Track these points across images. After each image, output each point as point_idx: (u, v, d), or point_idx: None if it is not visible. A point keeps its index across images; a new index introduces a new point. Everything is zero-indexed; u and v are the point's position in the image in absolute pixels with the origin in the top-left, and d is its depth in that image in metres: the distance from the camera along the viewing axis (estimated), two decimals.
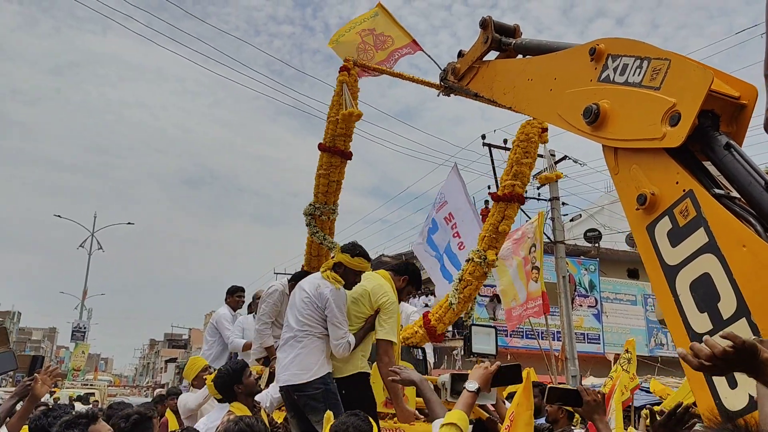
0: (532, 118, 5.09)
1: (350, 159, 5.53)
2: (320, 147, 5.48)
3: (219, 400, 4.37)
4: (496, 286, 20.27)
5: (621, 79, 2.85)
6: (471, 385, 2.74)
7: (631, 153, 2.76)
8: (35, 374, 3.60)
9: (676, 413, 2.64)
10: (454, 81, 4.41)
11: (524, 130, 5.25)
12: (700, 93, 2.43)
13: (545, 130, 5.28)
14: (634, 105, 2.73)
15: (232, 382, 4.21)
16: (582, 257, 22.80)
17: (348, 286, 4.25)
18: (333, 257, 4.48)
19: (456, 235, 7.76)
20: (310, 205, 5.56)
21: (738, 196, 2.38)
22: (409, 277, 4.68)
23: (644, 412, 5.22)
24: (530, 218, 18.35)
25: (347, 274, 4.24)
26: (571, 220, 23.30)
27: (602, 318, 22.19)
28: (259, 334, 5.55)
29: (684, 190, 2.47)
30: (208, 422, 4.31)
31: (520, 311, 11.38)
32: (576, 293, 21.18)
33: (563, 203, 17.37)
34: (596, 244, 22.72)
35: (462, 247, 7.61)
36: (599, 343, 21.87)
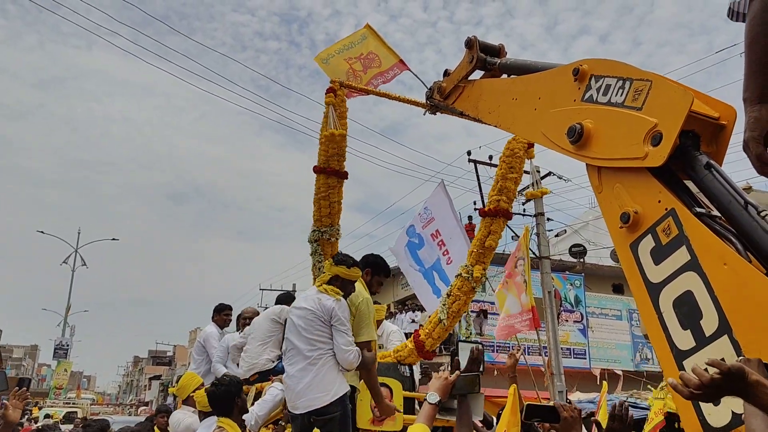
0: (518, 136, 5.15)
1: (346, 178, 5.54)
2: (315, 170, 5.46)
3: (206, 414, 4.33)
4: (482, 301, 20.33)
5: (604, 99, 2.90)
6: (431, 397, 2.74)
7: (614, 172, 2.81)
8: (4, 401, 3.59)
9: (614, 414, 2.69)
10: (440, 100, 4.46)
11: (510, 146, 5.31)
12: (681, 114, 2.48)
13: (531, 145, 5.35)
14: (617, 125, 2.77)
15: (234, 394, 4.17)
16: (567, 272, 22.90)
17: (346, 296, 4.29)
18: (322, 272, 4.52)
19: (445, 252, 7.81)
20: (314, 231, 5.53)
21: (719, 214, 2.43)
22: (371, 269, 4.75)
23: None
24: (516, 234, 18.45)
25: (345, 285, 4.29)
26: (556, 236, 23.42)
27: (588, 333, 22.27)
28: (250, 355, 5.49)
29: (666, 209, 2.52)
30: None
31: (512, 322, 11.36)
32: (562, 308, 21.26)
33: (548, 219, 17.48)
34: (581, 260, 22.84)
35: (450, 262, 7.65)
36: (585, 358, 21.92)
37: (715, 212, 2.44)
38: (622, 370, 21.34)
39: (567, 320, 21.82)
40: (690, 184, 2.61)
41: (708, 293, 2.29)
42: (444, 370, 3.06)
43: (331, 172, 5.37)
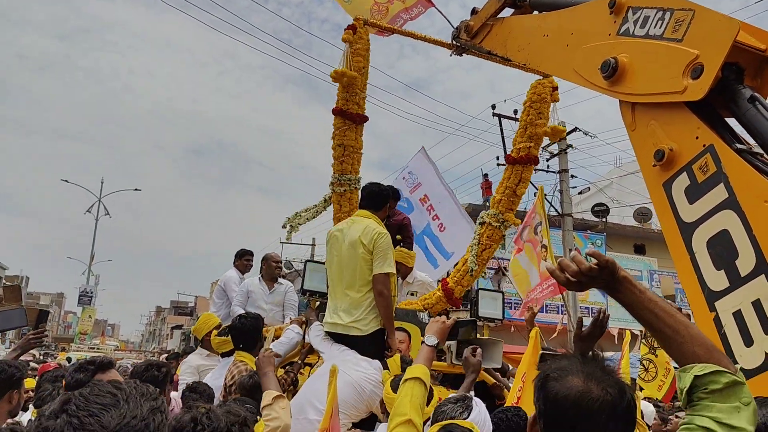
0: (542, 78, 4.98)
1: (365, 121, 5.31)
2: (334, 111, 5.28)
3: (225, 354, 4.32)
4: (500, 258, 20.30)
5: (641, 31, 2.76)
6: (429, 339, 2.70)
7: (649, 108, 2.68)
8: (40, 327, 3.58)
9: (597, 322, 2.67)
10: (467, 39, 4.31)
11: (536, 90, 5.14)
12: (725, 44, 2.34)
13: (556, 88, 5.17)
14: (655, 58, 2.63)
15: (259, 330, 4.15)
16: (589, 231, 22.69)
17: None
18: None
19: (435, 217, 7.69)
20: (332, 182, 5.34)
21: (761, 151, 2.31)
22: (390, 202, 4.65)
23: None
24: (537, 189, 18.27)
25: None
26: (580, 193, 23.13)
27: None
28: None
29: (704, 146, 2.40)
30: (213, 378, 4.29)
31: (535, 295, 11.30)
32: None
33: (572, 176, 17.24)
34: (604, 219, 22.57)
35: (443, 229, 7.53)
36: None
37: (757, 149, 2.33)
38: (640, 330, 21.27)
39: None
40: (731, 121, 2.50)
41: (746, 232, 2.19)
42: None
43: (348, 114, 5.19)
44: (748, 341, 2.12)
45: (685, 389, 1.40)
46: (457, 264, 5.64)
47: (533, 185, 17.52)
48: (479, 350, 3.42)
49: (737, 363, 2.18)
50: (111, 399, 1.14)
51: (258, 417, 2.64)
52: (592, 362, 1.43)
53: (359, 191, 5.24)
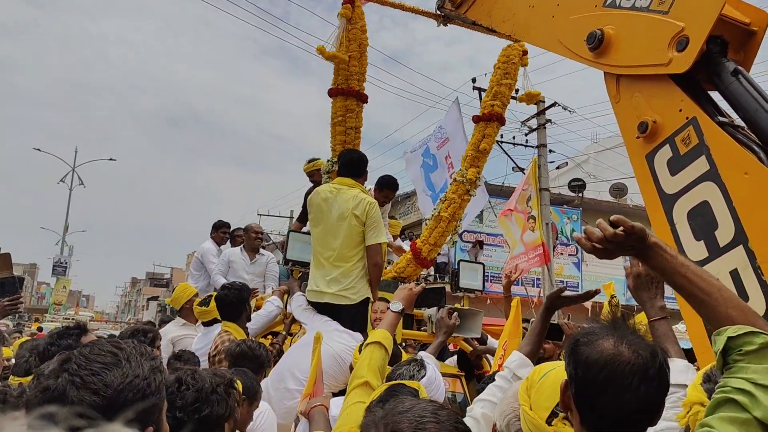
0: (513, 42, 4.97)
1: (366, 102, 5.19)
2: (331, 92, 5.11)
3: (208, 323, 4.31)
4: (478, 232, 20.44)
5: (628, 3, 2.76)
6: (395, 305, 2.71)
7: (633, 80, 2.70)
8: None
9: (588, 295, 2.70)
10: (452, 9, 4.28)
11: (505, 52, 5.15)
12: (711, 17, 2.36)
13: (525, 52, 5.17)
14: (641, 30, 2.65)
15: (244, 300, 4.12)
16: (565, 206, 22.91)
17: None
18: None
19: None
20: (328, 161, 5.23)
21: (742, 124, 2.34)
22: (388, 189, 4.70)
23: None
24: (517, 165, 18.36)
25: None
26: (557, 168, 23.28)
27: (582, 267, 22.49)
28: None
29: (687, 118, 2.43)
30: (198, 345, 4.29)
31: (521, 264, 11.33)
32: (558, 242, 21.39)
33: (550, 150, 17.35)
34: (580, 194, 22.80)
35: None
36: (578, 291, 22.23)
37: (740, 122, 2.36)
38: (617, 304, 21.60)
39: (562, 253, 22.00)
40: (714, 94, 2.52)
41: (726, 203, 2.24)
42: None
43: (351, 93, 5.02)
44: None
45: (719, 351, 1.37)
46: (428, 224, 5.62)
47: (512, 159, 17.62)
48: (456, 314, 3.46)
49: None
50: (112, 358, 1.14)
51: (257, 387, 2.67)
52: (622, 326, 1.42)
53: None
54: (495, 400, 2.28)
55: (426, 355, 2.92)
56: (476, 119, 5.33)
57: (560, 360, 1.90)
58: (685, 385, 1.83)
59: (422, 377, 2.42)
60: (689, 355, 2.14)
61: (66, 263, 35.63)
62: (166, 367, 3.47)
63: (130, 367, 1.14)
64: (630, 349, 1.35)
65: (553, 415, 1.66)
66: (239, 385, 1.83)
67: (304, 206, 5.93)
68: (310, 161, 6.42)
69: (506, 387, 2.45)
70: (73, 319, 30.88)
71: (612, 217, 1.55)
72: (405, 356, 2.98)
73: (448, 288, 4.94)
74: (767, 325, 1.38)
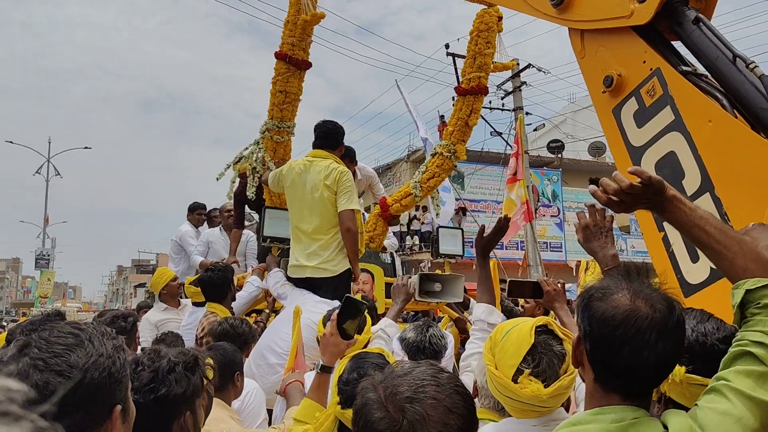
0: (487, 7, 4.92)
1: (309, 68, 5.08)
2: (277, 55, 5.01)
3: (197, 303, 4.30)
4: (461, 199, 20.49)
5: None
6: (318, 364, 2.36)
7: (597, 34, 2.69)
8: None
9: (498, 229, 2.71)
10: None
11: (483, 19, 5.07)
12: None
13: (501, 18, 5.12)
14: None
15: (229, 281, 4.11)
16: (545, 168, 23.02)
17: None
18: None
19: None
20: (264, 123, 5.07)
21: (705, 72, 2.34)
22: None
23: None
24: (496, 130, 18.33)
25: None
26: (535, 130, 23.32)
27: (564, 227, 22.67)
28: None
29: (651, 69, 2.43)
30: (186, 321, 4.28)
31: (514, 219, 11.38)
32: (539, 203, 21.52)
33: (527, 113, 17.34)
34: (559, 155, 22.90)
35: None
36: (561, 251, 22.43)
37: (703, 70, 2.36)
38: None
39: (544, 215, 22.16)
40: (677, 44, 2.52)
41: (691, 152, 2.25)
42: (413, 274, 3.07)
43: (293, 60, 4.90)
44: (695, 257, 2.19)
45: (737, 305, 1.34)
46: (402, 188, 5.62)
47: (489, 125, 17.59)
48: (411, 279, 3.46)
49: (684, 278, 2.26)
50: (74, 339, 1.12)
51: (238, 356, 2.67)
52: (637, 279, 1.35)
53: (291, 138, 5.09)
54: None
55: (387, 324, 2.99)
56: (462, 91, 5.28)
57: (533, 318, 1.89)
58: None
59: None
60: None
61: (49, 255, 35.32)
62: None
63: (93, 347, 1.12)
64: (647, 304, 1.29)
65: (519, 372, 1.66)
66: (210, 361, 1.81)
67: (237, 209, 5.84)
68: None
69: (487, 336, 2.49)
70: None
71: (629, 168, 1.50)
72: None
73: (428, 256, 4.97)
74: None
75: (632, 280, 1.35)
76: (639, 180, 1.46)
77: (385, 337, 2.92)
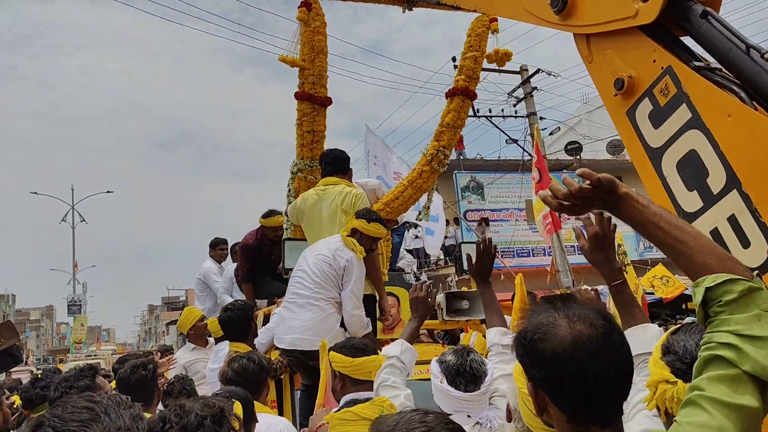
0: (481, 15, 4.89)
1: (329, 105, 5.14)
2: (297, 95, 5.07)
3: (219, 339, 4.27)
4: (482, 209, 20.36)
5: None
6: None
7: (603, 38, 2.63)
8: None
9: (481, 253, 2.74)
10: None
11: (472, 26, 5.08)
12: None
13: (494, 20, 5.08)
14: None
15: (249, 318, 4.06)
16: (564, 171, 22.81)
17: (367, 252, 3.91)
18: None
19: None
20: (294, 163, 5.16)
21: (719, 66, 2.27)
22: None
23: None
24: (510, 137, 18.25)
25: (363, 240, 3.88)
26: (551, 134, 23.18)
27: None
28: None
29: (662, 68, 2.36)
30: (213, 365, 4.26)
31: (540, 228, 11.44)
32: None
33: (541, 118, 17.24)
34: (578, 156, 22.69)
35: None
36: None
37: (716, 64, 2.29)
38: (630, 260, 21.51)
39: (568, 218, 21.91)
40: (687, 39, 2.45)
41: (713, 149, 2.17)
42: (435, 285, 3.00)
43: (312, 98, 4.97)
44: (745, 243, 2.10)
45: (699, 304, 1.29)
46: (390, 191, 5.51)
47: (504, 132, 17.49)
48: (431, 287, 3.23)
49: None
50: (89, 414, 1.08)
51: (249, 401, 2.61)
52: (563, 305, 1.34)
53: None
54: (509, 371, 2.27)
55: (402, 349, 2.66)
56: (446, 95, 5.26)
57: None
58: None
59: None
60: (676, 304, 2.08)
61: (80, 301, 35.79)
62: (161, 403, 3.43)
63: (110, 420, 1.09)
64: (585, 324, 1.27)
65: None
66: (238, 407, 1.77)
67: (246, 263, 5.69)
68: (268, 215, 5.70)
69: (507, 358, 2.45)
70: (95, 355, 31.00)
71: (578, 171, 1.50)
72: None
73: (454, 270, 4.90)
74: (747, 270, 1.30)
75: (559, 308, 1.33)
76: (588, 182, 1.44)
77: (400, 366, 2.61)
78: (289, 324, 3.81)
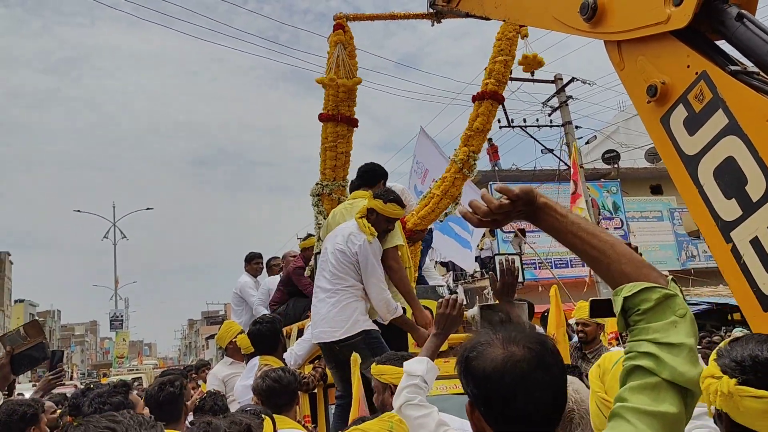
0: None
1: (356, 126, 5.10)
2: (321, 117, 5.03)
3: (250, 354, 4.30)
4: (517, 221, 20.18)
5: None
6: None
7: (635, 44, 2.58)
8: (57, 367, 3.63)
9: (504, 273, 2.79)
10: (443, 4, 4.21)
11: (502, 29, 5.01)
12: None
13: (522, 26, 5.02)
14: None
15: (278, 332, 4.11)
16: (602, 180, 22.48)
17: (380, 234, 3.92)
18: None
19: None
20: (317, 184, 5.12)
21: (756, 70, 2.20)
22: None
23: None
24: (546, 147, 18.08)
25: (379, 221, 3.88)
26: (587, 143, 22.86)
27: (629, 237, 21.98)
28: None
29: (696, 73, 2.29)
30: (245, 381, 4.28)
31: None
32: (601, 217, 20.97)
33: (576, 126, 17.05)
34: (615, 165, 22.34)
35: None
36: None
37: (753, 68, 2.22)
38: (669, 270, 20.96)
39: (607, 228, 21.56)
40: (722, 43, 2.39)
41: (751, 155, 2.09)
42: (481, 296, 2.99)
43: (341, 119, 4.94)
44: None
45: (618, 313, 1.33)
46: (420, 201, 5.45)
47: (539, 142, 17.34)
48: (469, 311, 3.14)
49: (761, 291, 2.09)
50: None
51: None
52: (502, 327, 1.37)
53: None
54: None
55: (426, 368, 2.47)
56: (473, 99, 5.20)
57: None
58: None
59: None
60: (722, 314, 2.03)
61: (122, 316, 36.55)
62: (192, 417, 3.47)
63: None
64: (518, 346, 1.30)
65: None
66: (268, 424, 1.77)
67: (282, 290, 5.78)
68: (305, 238, 5.98)
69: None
70: (137, 369, 31.54)
71: (495, 187, 1.54)
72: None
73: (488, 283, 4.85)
74: (662, 276, 1.32)
75: (499, 329, 1.36)
76: (506, 197, 1.48)
77: (424, 386, 2.43)
78: (313, 318, 3.98)
